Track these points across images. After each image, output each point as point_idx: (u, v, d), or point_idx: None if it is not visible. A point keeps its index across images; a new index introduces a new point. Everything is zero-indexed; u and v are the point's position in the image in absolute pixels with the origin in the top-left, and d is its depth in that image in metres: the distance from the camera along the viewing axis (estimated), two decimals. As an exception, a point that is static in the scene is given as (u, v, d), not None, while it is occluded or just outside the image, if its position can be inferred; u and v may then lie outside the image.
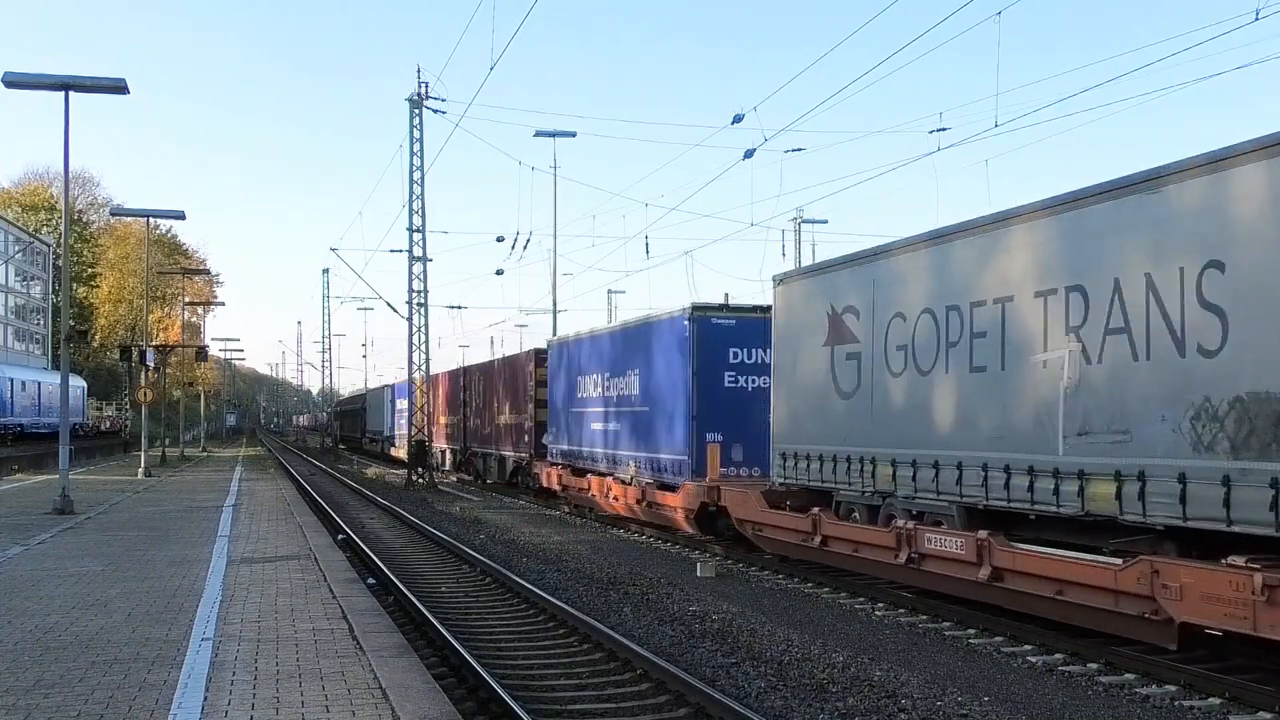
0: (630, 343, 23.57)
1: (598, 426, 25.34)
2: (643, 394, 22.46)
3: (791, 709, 9.11)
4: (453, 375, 47.22)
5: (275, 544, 17.12)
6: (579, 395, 26.71)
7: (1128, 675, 10.47)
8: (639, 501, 22.19)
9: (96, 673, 8.25)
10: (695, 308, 20.29)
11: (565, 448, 27.89)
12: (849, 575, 15.99)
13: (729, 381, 20.02)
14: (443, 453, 47.61)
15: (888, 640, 12.25)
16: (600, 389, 25.13)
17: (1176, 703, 9.66)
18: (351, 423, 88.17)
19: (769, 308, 18.75)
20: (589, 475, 25.93)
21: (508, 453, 35.13)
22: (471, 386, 41.32)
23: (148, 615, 10.70)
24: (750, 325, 20.02)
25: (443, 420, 47.06)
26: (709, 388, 19.96)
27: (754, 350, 19.96)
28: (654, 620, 13.17)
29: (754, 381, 19.83)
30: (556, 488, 28.56)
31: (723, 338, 20.10)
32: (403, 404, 52.69)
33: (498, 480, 36.99)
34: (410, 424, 45.43)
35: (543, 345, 32.43)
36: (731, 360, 20.04)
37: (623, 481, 23.36)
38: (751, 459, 19.70)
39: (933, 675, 10.42)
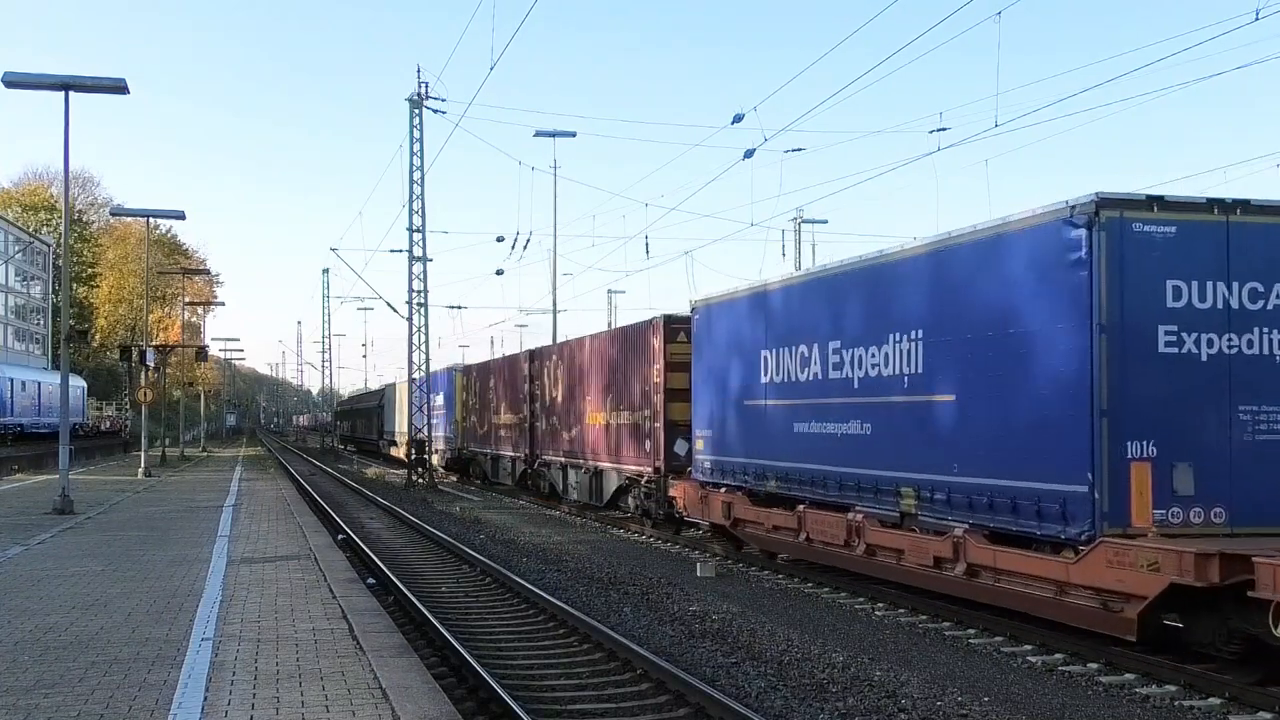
0: (904, 282, 14.08)
1: (814, 428, 15.91)
2: (930, 372, 13.38)
3: (791, 709, 9.11)
4: (512, 362, 36.28)
5: (275, 544, 17.12)
6: (766, 380, 17.30)
7: (1128, 675, 10.48)
8: (948, 564, 12.88)
9: (96, 673, 8.25)
10: (1103, 201, 11.07)
11: (732, 460, 18.48)
12: (848, 575, 15.89)
13: (1166, 344, 11.08)
14: (493, 460, 37.86)
15: (888, 640, 12.25)
16: (819, 368, 15.82)
17: (1176, 703, 9.67)
18: (365, 423, 75.70)
19: (1239, 204, 11.39)
20: (802, 507, 16.17)
21: (612, 465, 25.17)
22: (543, 374, 31.27)
23: (148, 615, 10.70)
24: (1206, 236, 11.23)
25: (497, 420, 37.00)
26: (1130, 355, 11.03)
27: (1214, 286, 11.17)
28: (654, 620, 13.17)
29: (1212, 345, 11.14)
30: (719, 520, 18.97)
31: (1155, 261, 11.11)
32: (435, 400, 45.23)
33: (592, 502, 27.07)
34: (449, 423, 41.08)
35: (674, 310, 23.06)
36: (1171, 303, 11.09)
37: (882, 522, 14.27)
38: (1210, 492, 10.98)
39: (933, 675, 10.43)
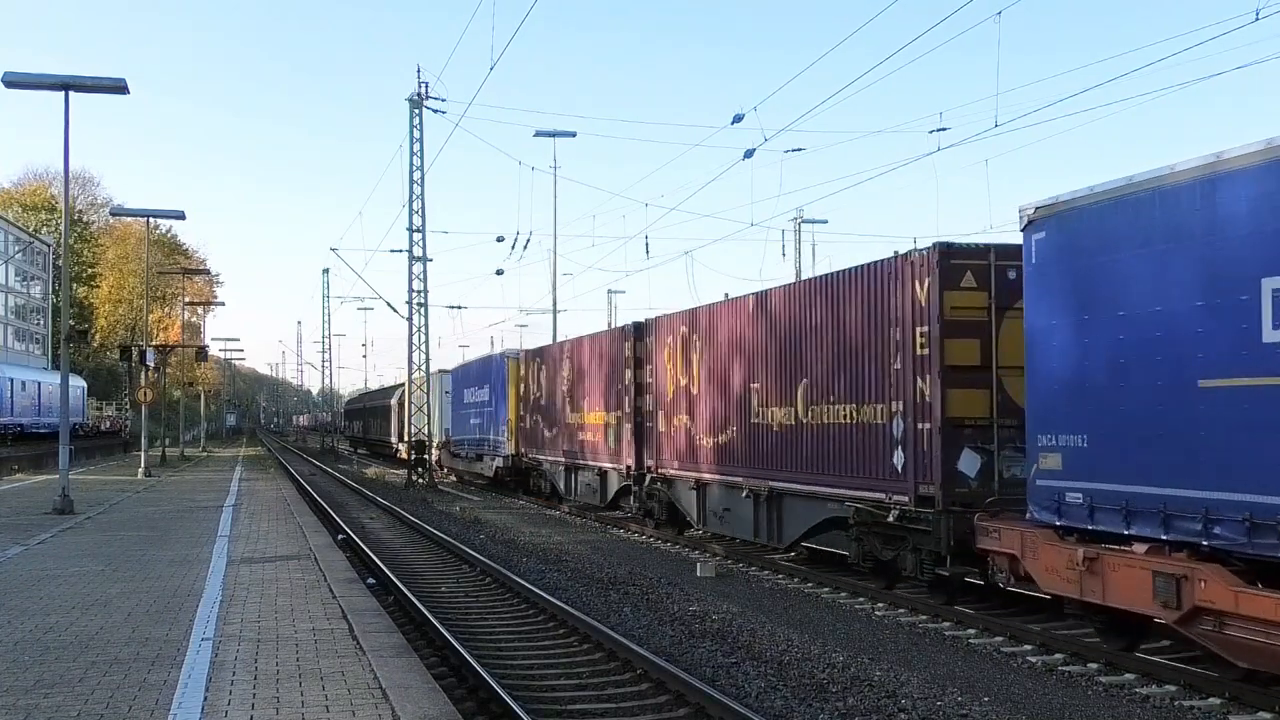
0: None
1: None
2: None
3: (791, 709, 9.11)
4: (605, 341, 26.32)
5: (275, 544, 17.12)
6: None
7: (1128, 675, 10.48)
8: None
9: (96, 673, 8.25)
10: None
11: (1159, 493, 10.05)
12: (849, 575, 15.96)
13: None
14: (570, 471, 28.85)
15: (888, 640, 12.25)
16: None
17: (1176, 703, 9.67)
18: (380, 423, 66.34)
19: None
20: None
21: (808, 486, 16.52)
22: (663, 355, 22.38)
23: (148, 615, 10.70)
24: None
25: (577, 420, 27.79)
26: None
27: None
28: (654, 620, 13.17)
29: None
30: (1143, 607, 10.34)
31: None
32: (477, 395, 37.96)
33: (764, 541, 18.20)
34: (498, 425, 33.89)
35: (949, 241, 13.80)
36: None
37: None
38: None
39: (933, 675, 10.43)
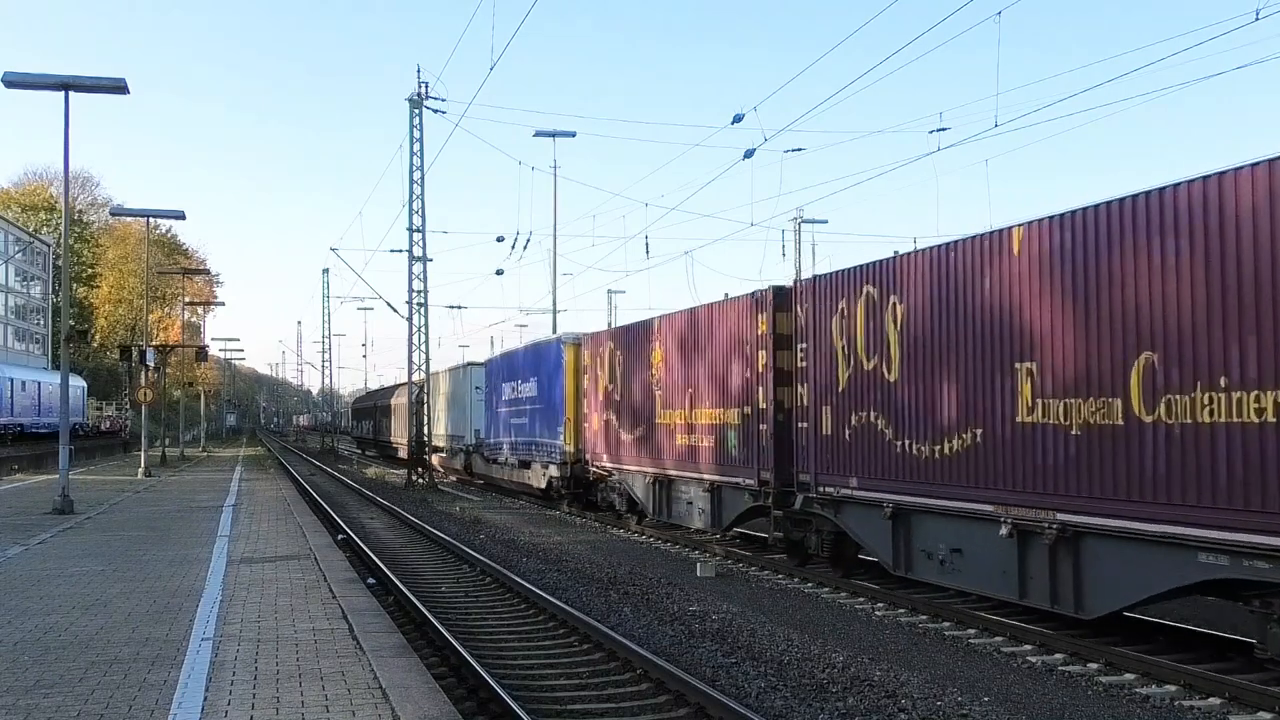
0: None
1: None
2: None
3: (791, 709, 9.11)
4: (721, 315, 19.23)
5: (275, 544, 17.12)
6: None
7: (1128, 675, 10.48)
8: None
9: (96, 673, 8.25)
10: None
11: None
12: (849, 575, 15.96)
13: None
14: (662, 486, 21.96)
15: (888, 640, 12.25)
16: None
17: (1176, 703, 9.67)
18: (392, 423, 59.96)
19: None
20: None
21: (1148, 525, 10.36)
22: (831, 328, 15.87)
23: (148, 615, 10.70)
24: None
25: (670, 420, 21.42)
26: None
27: None
28: (654, 620, 13.17)
29: None
30: None
31: None
32: (521, 389, 31.19)
33: (1052, 610, 11.85)
34: (552, 423, 27.94)
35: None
36: None
37: None
38: None
39: (933, 675, 10.43)
